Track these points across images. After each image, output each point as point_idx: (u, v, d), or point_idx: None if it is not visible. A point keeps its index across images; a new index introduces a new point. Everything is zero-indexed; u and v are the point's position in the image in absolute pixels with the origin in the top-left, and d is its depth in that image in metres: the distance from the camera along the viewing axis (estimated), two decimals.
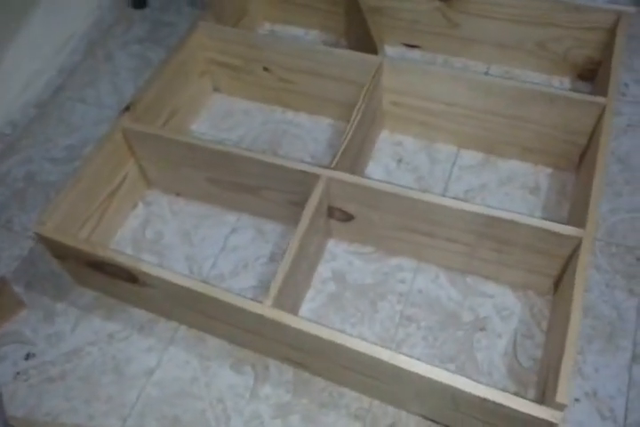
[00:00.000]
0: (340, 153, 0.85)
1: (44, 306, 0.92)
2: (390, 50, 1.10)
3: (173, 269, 0.91)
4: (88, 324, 0.90)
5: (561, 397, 0.63)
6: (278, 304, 0.74)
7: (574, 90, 1.08)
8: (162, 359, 0.86)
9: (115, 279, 0.84)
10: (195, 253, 0.95)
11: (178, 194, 1.02)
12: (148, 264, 0.78)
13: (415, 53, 1.17)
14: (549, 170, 0.99)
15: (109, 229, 0.97)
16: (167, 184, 1.01)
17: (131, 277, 0.80)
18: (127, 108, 0.92)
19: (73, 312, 0.91)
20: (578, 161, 0.96)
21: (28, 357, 0.88)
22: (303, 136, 1.08)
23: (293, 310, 0.85)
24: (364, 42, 1.02)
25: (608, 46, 0.98)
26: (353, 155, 0.91)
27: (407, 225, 0.85)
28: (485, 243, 0.82)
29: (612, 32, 0.98)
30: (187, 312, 0.84)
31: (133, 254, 0.95)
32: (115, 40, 1.29)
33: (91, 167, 0.88)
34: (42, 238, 0.83)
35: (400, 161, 1.03)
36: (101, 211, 0.93)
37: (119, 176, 0.95)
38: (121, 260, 0.78)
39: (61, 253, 0.85)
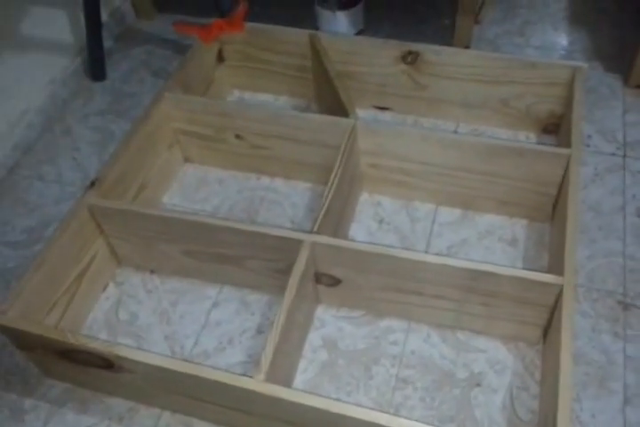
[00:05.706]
0: (321, 217, 0.92)
1: (11, 403, 0.93)
2: (362, 112, 1.19)
3: (153, 351, 0.94)
4: (61, 419, 0.91)
5: None
6: (271, 378, 0.77)
7: (540, 144, 1.21)
8: None
9: (88, 367, 0.85)
10: (174, 332, 0.99)
11: (152, 271, 1.07)
12: (125, 348, 0.80)
13: (386, 115, 1.30)
14: (525, 221, 1.10)
15: (79, 314, 1.00)
16: (140, 261, 1.06)
17: (106, 363, 0.82)
18: (93, 184, 0.97)
19: (43, 408, 0.92)
20: (551, 211, 1.08)
21: None
22: (281, 202, 1.17)
23: (287, 382, 0.90)
24: (335, 105, 1.12)
25: (568, 100, 1.13)
26: (334, 218, 0.99)
27: (395, 285, 0.92)
28: (472, 297, 0.90)
29: (569, 86, 1.12)
30: (170, 396, 0.86)
31: (108, 339, 0.98)
32: (73, 114, 1.36)
33: (55, 249, 0.91)
34: (4, 329, 0.84)
35: (381, 222, 1.13)
36: (70, 294, 0.96)
37: (87, 256, 0.98)
38: (95, 346, 0.79)
39: (27, 343, 0.87)
